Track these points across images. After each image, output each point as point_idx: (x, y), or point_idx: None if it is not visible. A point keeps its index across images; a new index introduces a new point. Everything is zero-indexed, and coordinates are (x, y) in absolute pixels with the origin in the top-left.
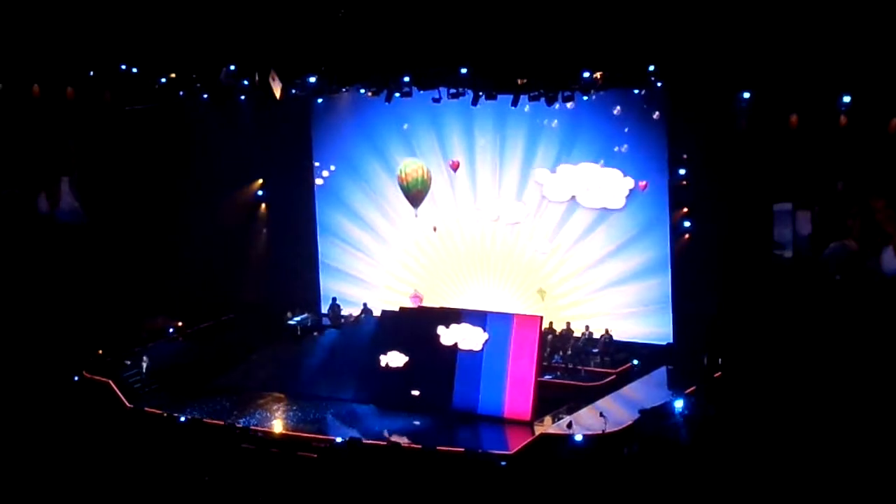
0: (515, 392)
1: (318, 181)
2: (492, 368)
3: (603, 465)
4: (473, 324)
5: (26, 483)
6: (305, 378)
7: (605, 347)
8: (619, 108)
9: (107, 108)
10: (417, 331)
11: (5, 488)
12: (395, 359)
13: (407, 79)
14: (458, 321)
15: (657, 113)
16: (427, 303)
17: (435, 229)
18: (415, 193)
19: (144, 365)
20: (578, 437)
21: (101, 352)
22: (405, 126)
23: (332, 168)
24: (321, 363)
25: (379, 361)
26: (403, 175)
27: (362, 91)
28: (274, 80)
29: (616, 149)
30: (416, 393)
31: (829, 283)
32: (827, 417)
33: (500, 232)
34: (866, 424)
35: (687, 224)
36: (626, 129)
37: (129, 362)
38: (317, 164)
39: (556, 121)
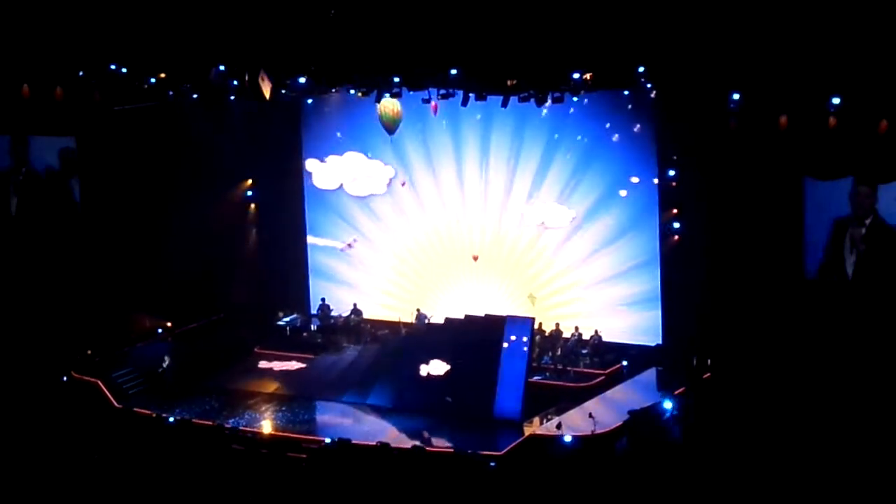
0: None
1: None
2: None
3: (592, 466)
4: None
5: (15, 484)
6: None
7: (595, 348)
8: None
9: (96, 108)
10: (488, 336)
11: None
12: (436, 367)
13: (396, 79)
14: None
15: (638, 126)
16: (414, 305)
17: (404, 184)
18: (385, 123)
19: (165, 364)
20: (567, 438)
21: (89, 352)
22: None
23: (404, 182)
24: (375, 370)
25: (419, 370)
26: (380, 108)
27: (352, 91)
28: (263, 80)
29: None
30: (449, 399)
31: (824, 285)
32: (819, 417)
33: (493, 232)
34: (859, 424)
35: (676, 224)
36: (614, 132)
37: (160, 359)
38: (393, 170)
39: (545, 110)
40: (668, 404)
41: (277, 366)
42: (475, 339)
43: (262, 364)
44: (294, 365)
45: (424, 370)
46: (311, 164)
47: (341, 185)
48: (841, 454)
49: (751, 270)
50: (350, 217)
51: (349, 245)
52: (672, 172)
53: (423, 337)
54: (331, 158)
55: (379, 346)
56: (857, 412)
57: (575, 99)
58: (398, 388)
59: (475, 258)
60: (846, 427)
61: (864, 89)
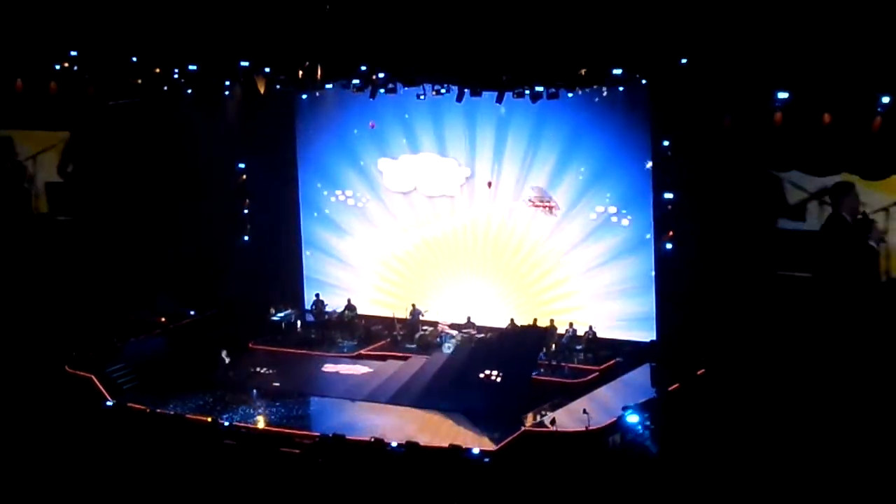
0: None
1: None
2: None
3: (586, 461)
4: None
5: (9, 478)
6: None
7: (589, 344)
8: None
9: (90, 103)
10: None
11: None
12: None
13: (389, 75)
14: None
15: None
16: (409, 300)
17: (490, 184)
18: None
19: (226, 359)
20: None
21: (83, 347)
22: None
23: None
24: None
25: (479, 375)
26: None
27: (346, 87)
28: (258, 74)
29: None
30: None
31: (820, 282)
32: (813, 413)
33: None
34: (855, 422)
35: (671, 222)
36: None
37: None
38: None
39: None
40: (632, 418)
41: (343, 369)
42: (521, 346)
43: (327, 367)
44: (360, 369)
45: (484, 375)
46: (382, 164)
47: (415, 187)
48: (836, 449)
49: (744, 267)
50: (344, 210)
51: (489, 184)
52: (666, 169)
53: (493, 344)
54: (404, 157)
55: (450, 354)
56: (854, 409)
57: (570, 95)
58: (465, 393)
59: (489, 184)
60: (842, 422)
61: (856, 87)
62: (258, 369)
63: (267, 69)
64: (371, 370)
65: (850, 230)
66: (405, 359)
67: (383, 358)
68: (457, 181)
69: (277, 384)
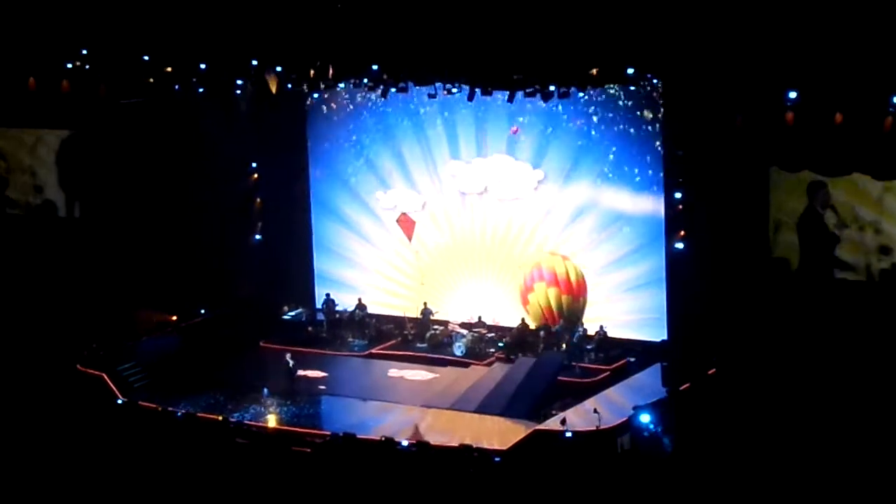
0: None
1: None
2: None
3: (596, 461)
4: None
5: (21, 477)
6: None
7: (600, 344)
8: None
9: (102, 102)
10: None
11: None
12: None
13: (401, 73)
14: None
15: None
16: (419, 298)
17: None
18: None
19: (291, 363)
20: (568, 434)
21: (95, 345)
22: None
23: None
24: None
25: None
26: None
27: (358, 86)
28: (270, 74)
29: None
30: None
31: (826, 282)
32: (822, 413)
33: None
34: (862, 423)
35: (682, 221)
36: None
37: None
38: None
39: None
40: (644, 417)
41: (409, 375)
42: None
43: (392, 372)
44: (425, 375)
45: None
46: (454, 167)
47: (486, 188)
48: (846, 450)
49: (756, 266)
50: (354, 212)
51: (515, 131)
52: (678, 168)
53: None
54: (476, 161)
55: (534, 360)
56: (863, 409)
57: (581, 94)
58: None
59: (515, 131)
60: (853, 423)
61: (868, 87)
62: (307, 374)
63: (278, 68)
64: (437, 376)
65: (820, 220)
66: (414, 359)
67: (403, 357)
68: (529, 185)
69: (324, 387)
